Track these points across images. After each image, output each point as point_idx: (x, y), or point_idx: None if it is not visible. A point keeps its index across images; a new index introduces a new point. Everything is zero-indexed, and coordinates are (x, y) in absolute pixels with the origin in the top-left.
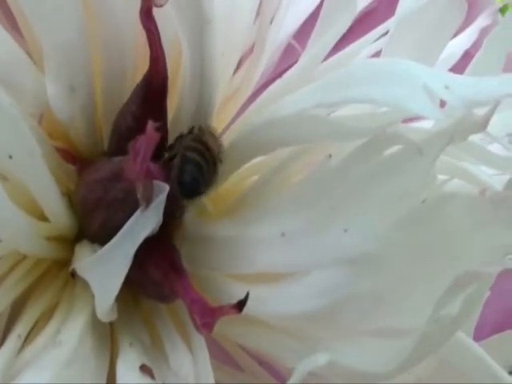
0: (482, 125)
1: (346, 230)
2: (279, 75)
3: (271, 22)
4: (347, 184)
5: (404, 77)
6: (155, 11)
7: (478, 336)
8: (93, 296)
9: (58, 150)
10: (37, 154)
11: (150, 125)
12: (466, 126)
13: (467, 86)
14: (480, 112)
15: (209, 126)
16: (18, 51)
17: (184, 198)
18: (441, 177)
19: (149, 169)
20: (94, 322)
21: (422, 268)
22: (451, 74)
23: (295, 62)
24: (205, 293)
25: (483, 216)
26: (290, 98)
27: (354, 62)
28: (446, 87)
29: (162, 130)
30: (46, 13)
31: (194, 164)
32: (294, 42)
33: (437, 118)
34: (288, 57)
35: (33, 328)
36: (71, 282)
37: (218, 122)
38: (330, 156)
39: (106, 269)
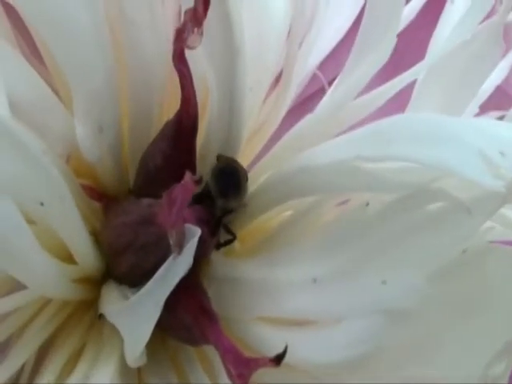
0: None
1: (383, 282)
2: (302, 102)
3: (299, 51)
4: (385, 233)
5: (456, 139)
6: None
7: None
8: (121, 338)
9: (84, 187)
10: (68, 199)
11: (188, 176)
12: None
13: None
14: None
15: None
16: (46, 91)
17: (229, 198)
18: None
19: (184, 217)
20: (123, 367)
21: (461, 321)
22: (504, 136)
23: (319, 89)
24: (232, 335)
25: None
26: (326, 145)
27: (398, 116)
28: (502, 153)
29: (191, 169)
30: (75, 57)
31: (228, 166)
32: (318, 72)
33: (492, 186)
34: (309, 83)
35: (60, 374)
36: (97, 324)
37: (244, 156)
38: (368, 204)
39: (136, 316)
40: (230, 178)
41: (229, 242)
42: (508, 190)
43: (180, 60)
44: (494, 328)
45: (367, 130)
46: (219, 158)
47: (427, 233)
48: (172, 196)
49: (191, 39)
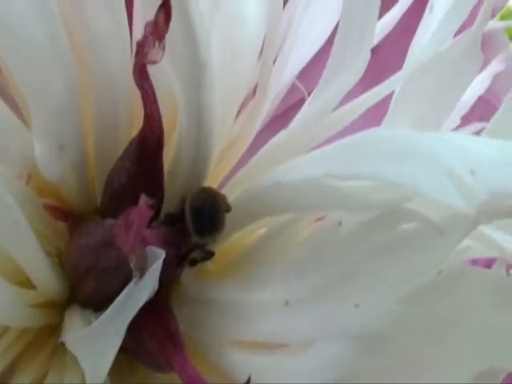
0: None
1: (356, 306)
2: (281, 115)
3: (274, 64)
4: (358, 255)
5: (426, 157)
6: (150, 67)
7: None
8: None
9: (48, 207)
10: (22, 223)
11: (143, 199)
12: (491, 212)
13: (493, 171)
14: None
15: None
16: (5, 111)
17: (204, 236)
18: None
19: (143, 238)
20: None
21: (436, 344)
22: (476, 153)
23: (298, 101)
24: (203, 359)
25: (503, 294)
26: (297, 161)
27: (370, 131)
28: (472, 172)
29: (158, 188)
30: (31, 70)
31: (207, 204)
32: (297, 81)
33: (458, 206)
34: (289, 94)
35: None
36: (60, 350)
37: (217, 172)
38: (340, 223)
39: (96, 345)
40: (208, 217)
41: (205, 259)
42: (479, 212)
43: (141, 75)
44: (470, 352)
45: (337, 147)
46: (204, 190)
47: (400, 254)
48: (128, 220)
49: (153, 53)
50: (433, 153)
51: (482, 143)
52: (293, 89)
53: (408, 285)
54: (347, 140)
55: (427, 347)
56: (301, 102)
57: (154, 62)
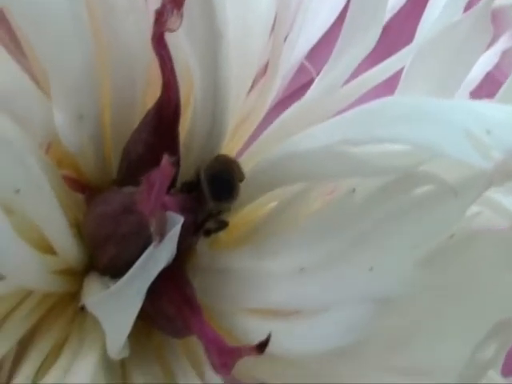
0: None
1: (371, 269)
2: (291, 95)
3: (285, 41)
4: (372, 220)
5: (442, 118)
6: (167, 37)
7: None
8: (103, 331)
9: (66, 178)
10: (45, 188)
11: (165, 159)
12: (506, 171)
13: (509, 130)
14: None
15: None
16: (25, 79)
17: (221, 202)
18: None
19: (164, 202)
20: (105, 359)
21: (449, 307)
22: (491, 115)
23: (308, 81)
24: (218, 327)
25: None
26: (310, 131)
27: (384, 99)
28: (488, 132)
29: (174, 157)
30: (52, 43)
31: (224, 170)
32: (305, 62)
33: (478, 164)
34: (298, 75)
35: (41, 365)
36: (80, 316)
37: (231, 146)
38: (354, 190)
39: (117, 306)
40: (224, 183)
41: (220, 229)
42: (495, 170)
43: (159, 43)
44: (483, 313)
45: (353, 114)
46: (219, 157)
47: (414, 217)
48: (150, 180)
49: (171, 21)
50: (449, 115)
51: (495, 107)
52: (301, 70)
53: (422, 247)
54: (363, 107)
55: (441, 307)
56: (309, 83)
57: (172, 30)
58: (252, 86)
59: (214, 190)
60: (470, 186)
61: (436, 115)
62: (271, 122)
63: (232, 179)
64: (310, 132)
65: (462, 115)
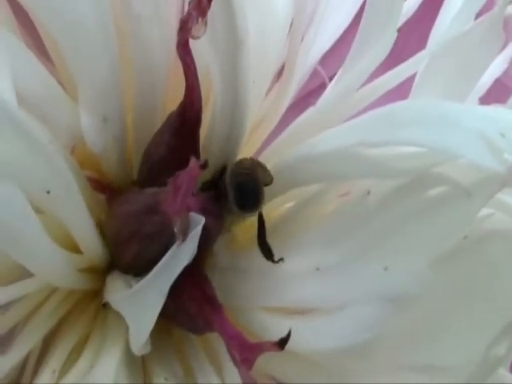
0: None
1: (385, 268)
2: (305, 96)
3: (301, 45)
4: (387, 221)
5: (456, 122)
6: (190, 43)
7: None
8: (126, 326)
9: (88, 179)
10: (74, 189)
11: (193, 161)
12: None
13: None
14: None
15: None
16: (53, 83)
17: (246, 211)
18: (482, 209)
19: (188, 204)
20: (128, 355)
21: (462, 306)
22: (504, 119)
23: (321, 84)
24: (237, 324)
25: None
26: (327, 133)
27: (399, 102)
28: (502, 135)
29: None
30: (81, 49)
31: (250, 180)
32: (318, 66)
33: (492, 167)
34: (311, 77)
35: (65, 361)
36: (102, 312)
37: (247, 149)
38: (369, 192)
39: (141, 304)
40: (250, 194)
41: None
42: (508, 173)
43: (184, 50)
44: (496, 313)
45: (369, 117)
46: (243, 161)
47: (428, 218)
48: (177, 182)
49: (195, 29)
50: (463, 118)
51: (508, 112)
52: (313, 74)
53: (435, 248)
54: (379, 110)
55: (455, 307)
56: (321, 87)
57: (196, 38)
58: (268, 90)
59: (240, 199)
60: (482, 187)
61: (450, 118)
62: (285, 124)
63: (258, 188)
64: (325, 135)
65: (476, 118)
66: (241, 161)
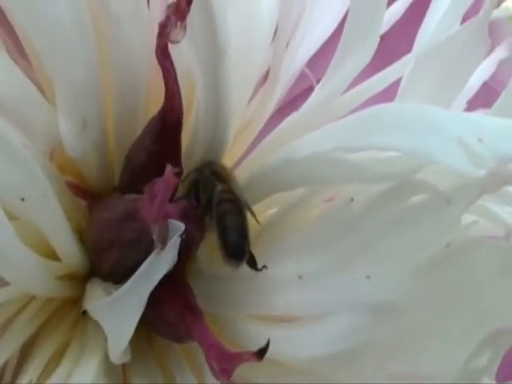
0: None
1: (368, 277)
2: (292, 101)
3: (286, 50)
4: (369, 229)
5: (435, 127)
6: (170, 47)
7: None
8: (105, 336)
9: (69, 184)
10: (50, 195)
11: (169, 169)
12: (499, 179)
13: (501, 138)
14: None
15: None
16: (30, 87)
17: (233, 262)
18: (465, 216)
19: (166, 210)
20: (107, 364)
21: (446, 315)
22: (484, 123)
23: (308, 88)
24: (219, 332)
25: (509, 262)
26: (308, 137)
27: (378, 106)
28: (479, 140)
29: (177, 166)
30: (58, 51)
31: (237, 228)
32: (306, 69)
33: (470, 172)
34: (298, 81)
35: (43, 371)
36: (82, 321)
37: (231, 154)
38: (352, 199)
39: (119, 312)
40: (238, 252)
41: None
42: (487, 178)
43: (163, 54)
44: (479, 320)
45: (348, 121)
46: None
47: (410, 226)
48: (154, 190)
49: (174, 33)
50: (441, 123)
51: (488, 118)
52: (301, 78)
53: (418, 256)
54: (358, 114)
55: (438, 314)
56: (309, 90)
57: (175, 42)
58: (253, 94)
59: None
60: (462, 193)
61: (430, 123)
62: (271, 129)
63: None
64: (306, 139)
65: (454, 123)
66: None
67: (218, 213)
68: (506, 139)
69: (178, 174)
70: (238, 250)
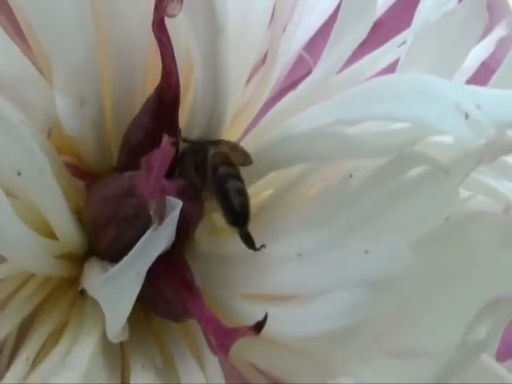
0: None
1: (366, 252)
2: (290, 86)
3: (283, 32)
4: (368, 204)
5: (433, 95)
6: (167, 24)
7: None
8: (103, 314)
9: (67, 165)
10: (47, 172)
11: (166, 139)
12: (497, 147)
13: (499, 105)
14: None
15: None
16: (27, 65)
17: (238, 227)
18: (463, 192)
19: (163, 185)
20: (105, 343)
21: (445, 288)
22: (482, 92)
23: (307, 73)
24: (216, 311)
25: (508, 235)
26: (306, 113)
27: (373, 76)
28: (478, 106)
29: (175, 144)
30: (55, 29)
31: (239, 192)
32: (304, 53)
33: (468, 138)
34: (298, 67)
35: (41, 349)
36: (80, 300)
37: (229, 135)
38: (351, 176)
39: (117, 288)
40: (244, 216)
41: None
42: (485, 147)
43: (160, 28)
44: (479, 295)
45: (346, 95)
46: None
47: (408, 199)
48: (150, 161)
49: (171, 7)
50: (440, 91)
51: (486, 88)
52: (300, 61)
53: (417, 229)
54: (356, 88)
55: (437, 289)
56: (308, 74)
57: (172, 16)
58: (251, 76)
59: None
60: (460, 164)
61: (428, 92)
62: (267, 112)
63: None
64: (304, 114)
65: (453, 92)
66: (220, 151)
67: (216, 178)
68: (505, 106)
69: (175, 144)
70: (242, 210)
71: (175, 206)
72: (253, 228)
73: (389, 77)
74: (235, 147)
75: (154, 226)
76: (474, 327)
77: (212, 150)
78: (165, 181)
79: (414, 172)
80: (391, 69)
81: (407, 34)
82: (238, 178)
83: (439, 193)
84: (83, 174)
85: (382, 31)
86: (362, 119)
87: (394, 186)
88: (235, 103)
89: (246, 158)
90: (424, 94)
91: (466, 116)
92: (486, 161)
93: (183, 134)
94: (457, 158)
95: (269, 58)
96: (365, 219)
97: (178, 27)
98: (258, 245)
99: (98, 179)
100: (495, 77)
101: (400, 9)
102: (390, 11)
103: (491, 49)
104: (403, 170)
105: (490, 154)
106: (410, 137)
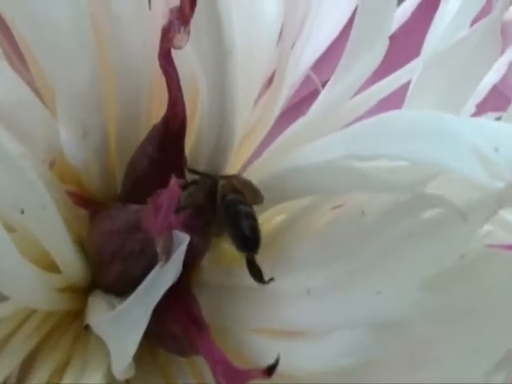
0: None
1: (378, 293)
2: (295, 105)
3: (291, 52)
4: (381, 243)
5: (450, 135)
6: (173, 51)
7: None
8: (108, 351)
9: (70, 193)
10: (50, 206)
11: (173, 180)
12: None
13: None
14: None
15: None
16: (31, 97)
17: (248, 252)
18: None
19: (170, 222)
20: (110, 380)
21: (458, 330)
22: (500, 132)
23: (313, 91)
24: (224, 344)
25: None
26: (318, 144)
27: (390, 113)
28: (496, 149)
29: (180, 174)
30: (58, 55)
31: (248, 216)
32: (311, 72)
33: (486, 183)
34: (302, 85)
35: None
36: (84, 335)
37: (236, 159)
38: (363, 212)
39: (123, 326)
40: (254, 240)
41: None
42: (504, 190)
43: (166, 60)
44: (494, 336)
45: (359, 128)
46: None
47: (423, 241)
48: (158, 202)
49: (178, 38)
50: (455, 131)
51: (500, 123)
52: (305, 80)
53: (430, 271)
54: (368, 121)
55: (450, 331)
56: (314, 94)
57: (178, 48)
58: (258, 97)
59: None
60: (479, 208)
61: (443, 131)
62: (275, 133)
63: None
64: (314, 146)
65: (469, 131)
66: (230, 182)
67: (225, 203)
68: None
69: (183, 187)
70: (253, 234)
71: (182, 240)
72: (262, 259)
73: (402, 112)
74: (245, 183)
75: (161, 262)
76: (493, 373)
77: (222, 182)
78: (174, 218)
79: (430, 214)
80: (400, 91)
81: (418, 61)
82: (248, 204)
83: (456, 237)
84: (86, 202)
85: (391, 50)
86: (373, 157)
87: (408, 227)
88: (243, 125)
89: (256, 195)
90: (439, 134)
91: (484, 159)
92: (505, 205)
93: (190, 158)
94: (474, 201)
95: (276, 78)
96: (377, 258)
97: (184, 52)
98: (267, 277)
99: (101, 207)
100: (510, 109)
101: (410, 26)
102: (400, 29)
103: (502, 72)
104: (418, 211)
105: (509, 197)
106: (424, 173)
